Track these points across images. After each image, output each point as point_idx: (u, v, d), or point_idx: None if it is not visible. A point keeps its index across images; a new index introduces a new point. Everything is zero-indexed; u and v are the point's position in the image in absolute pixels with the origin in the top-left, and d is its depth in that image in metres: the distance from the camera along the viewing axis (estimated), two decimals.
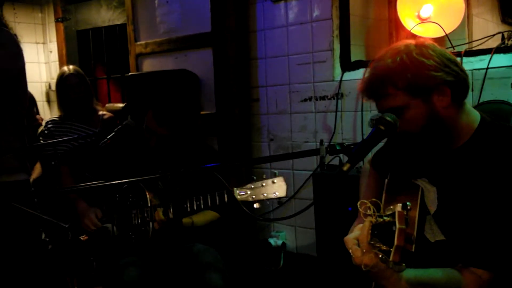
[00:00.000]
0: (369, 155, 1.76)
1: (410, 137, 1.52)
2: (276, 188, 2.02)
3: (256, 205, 2.04)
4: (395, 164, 1.70)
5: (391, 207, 1.19)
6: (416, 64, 1.44)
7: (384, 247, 1.19)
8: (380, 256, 1.20)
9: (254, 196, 2.03)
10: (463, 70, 1.50)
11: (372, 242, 1.22)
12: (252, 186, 2.04)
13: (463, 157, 1.50)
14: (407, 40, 1.55)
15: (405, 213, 1.16)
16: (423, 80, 1.44)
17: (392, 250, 1.16)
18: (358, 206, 1.31)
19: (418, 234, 1.45)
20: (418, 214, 1.47)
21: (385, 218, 1.19)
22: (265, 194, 2.02)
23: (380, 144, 1.67)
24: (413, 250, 1.36)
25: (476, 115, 1.54)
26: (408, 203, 1.19)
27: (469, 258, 1.43)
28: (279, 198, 2.03)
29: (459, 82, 1.48)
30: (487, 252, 1.40)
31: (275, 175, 2.05)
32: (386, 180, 1.60)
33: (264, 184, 2.03)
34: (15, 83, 2.37)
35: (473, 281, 1.40)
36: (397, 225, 1.16)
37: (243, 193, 2.05)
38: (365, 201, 1.27)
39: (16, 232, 2.45)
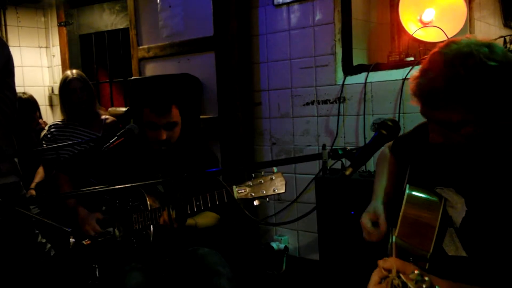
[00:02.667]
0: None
1: (454, 148, 1.39)
2: (275, 184, 2.01)
3: (256, 202, 2.03)
4: (418, 160, 1.61)
5: (416, 271, 1.06)
6: (491, 77, 1.23)
7: None
8: None
9: (253, 194, 2.02)
10: None
11: None
12: (251, 184, 2.04)
13: (508, 168, 1.37)
14: (471, 37, 1.33)
15: None
16: (496, 99, 1.24)
17: None
18: (382, 263, 1.19)
19: (435, 250, 1.38)
20: (437, 231, 1.40)
21: None
22: (264, 191, 2.01)
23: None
24: (426, 268, 1.32)
25: None
26: (437, 287, 1.06)
27: (491, 281, 1.33)
28: (279, 194, 2.02)
29: None
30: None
31: (273, 172, 2.04)
32: (408, 185, 1.53)
33: (262, 181, 2.03)
34: (2, 83, 2.38)
35: None
36: None
37: (242, 191, 2.04)
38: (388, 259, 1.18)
39: (10, 235, 2.45)
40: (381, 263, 1.20)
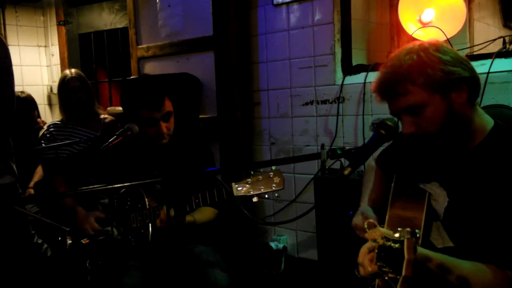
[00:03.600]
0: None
1: (426, 138, 1.50)
2: (273, 181, 2.04)
3: (255, 199, 2.06)
4: (402, 166, 1.68)
5: (399, 229, 1.16)
6: (434, 60, 1.45)
7: (391, 275, 1.16)
8: (385, 278, 1.18)
9: (252, 191, 2.04)
10: (474, 69, 1.51)
11: (378, 264, 1.19)
12: (250, 181, 2.06)
13: (478, 158, 1.49)
14: (419, 41, 1.55)
15: (414, 241, 1.13)
16: (442, 75, 1.44)
17: (400, 279, 1.13)
18: (366, 224, 1.27)
19: (423, 241, 1.44)
20: (423, 222, 1.46)
21: (393, 244, 1.15)
22: (262, 188, 2.04)
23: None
24: None
25: (489, 118, 1.55)
26: (417, 230, 1.16)
27: (487, 258, 1.39)
28: (277, 190, 2.04)
29: (474, 79, 1.49)
30: (505, 252, 1.37)
31: (272, 169, 2.06)
32: (393, 185, 1.58)
33: (261, 178, 2.05)
34: (1, 82, 2.37)
35: (501, 274, 1.36)
36: (406, 256, 1.12)
37: (241, 187, 2.06)
38: (371, 220, 1.26)
39: (6, 235, 2.44)
40: (367, 235, 1.28)
